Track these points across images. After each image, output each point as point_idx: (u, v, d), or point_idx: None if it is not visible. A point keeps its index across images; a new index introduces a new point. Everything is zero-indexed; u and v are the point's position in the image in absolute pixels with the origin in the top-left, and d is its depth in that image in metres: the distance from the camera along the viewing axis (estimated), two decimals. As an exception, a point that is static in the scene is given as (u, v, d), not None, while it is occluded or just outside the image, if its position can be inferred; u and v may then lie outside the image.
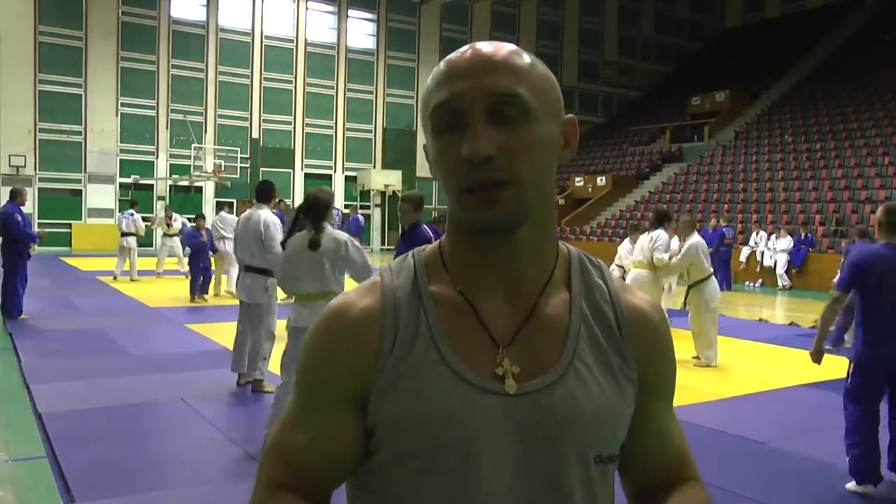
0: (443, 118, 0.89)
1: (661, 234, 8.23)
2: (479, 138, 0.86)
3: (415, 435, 0.89)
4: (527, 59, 0.92)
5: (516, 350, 0.92)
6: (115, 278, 14.97)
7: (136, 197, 25.79)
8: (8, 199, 9.96)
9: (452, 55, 0.92)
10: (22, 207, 9.86)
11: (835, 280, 4.31)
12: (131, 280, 14.97)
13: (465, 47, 0.92)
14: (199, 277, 12.15)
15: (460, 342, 0.91)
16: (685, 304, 8.16)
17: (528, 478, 0.90)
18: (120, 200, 26.09)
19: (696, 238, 8.04)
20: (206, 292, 12.32)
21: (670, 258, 8.08)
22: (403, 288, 0.95)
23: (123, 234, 15.23)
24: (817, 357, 4.30)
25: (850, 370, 4.22)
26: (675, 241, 8.39)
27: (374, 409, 0.91)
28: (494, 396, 0.89)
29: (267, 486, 0.95)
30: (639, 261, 8.31)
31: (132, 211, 15.59)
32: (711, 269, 8.08)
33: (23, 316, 9.68)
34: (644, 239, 8.32)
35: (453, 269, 0.96)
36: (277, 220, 6.36)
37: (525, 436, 0.90)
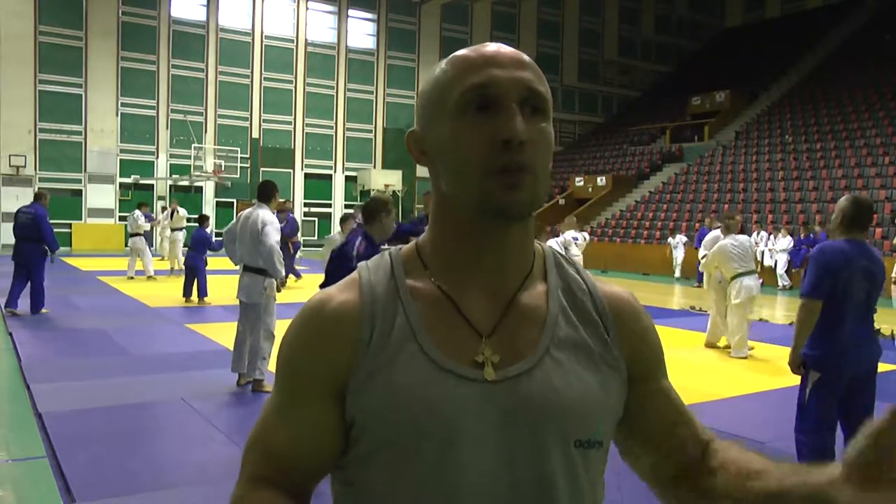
0: (475, 100, 0.91)
1: (714, 232, 9.00)
2: (517, 121, 0.89)
3: (394, 424, 0.90)
4: (538, 67, 0.97)
5: (496, 340, 0.94)
6: (129, 278, 15.35)
7: (135, 196, 25.93)
8: (34, 200, 10.50)
9: (466, 51, 0.95)
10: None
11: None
12: (147, 278, 15.42)
13: (478, 46, 0.96)
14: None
15: (439, 333, 0.93)
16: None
17: (509, 464, 0.91)
18: (120, 200, 26.12)
19: (725, 240, 8.48)
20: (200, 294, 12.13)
21: (703, 256, 8.78)
22: (381, 282, 0.97)
23: (130, 235, 16.02)
24: (797, 369, 3.95)
25: (810, 387, 3.88)
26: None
27: (354, 401, 0.92)
28: (473, 384, 0.91)
29: (249, 482, 0.97)
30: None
31: (136, 211, 16.33)
32: (742, 269, 8.41)
33: (45, 310, 10.11)
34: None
35: (433, 265, 0.98)
36: (275, 219, 6.36)
37: (504, 422, 0.91)
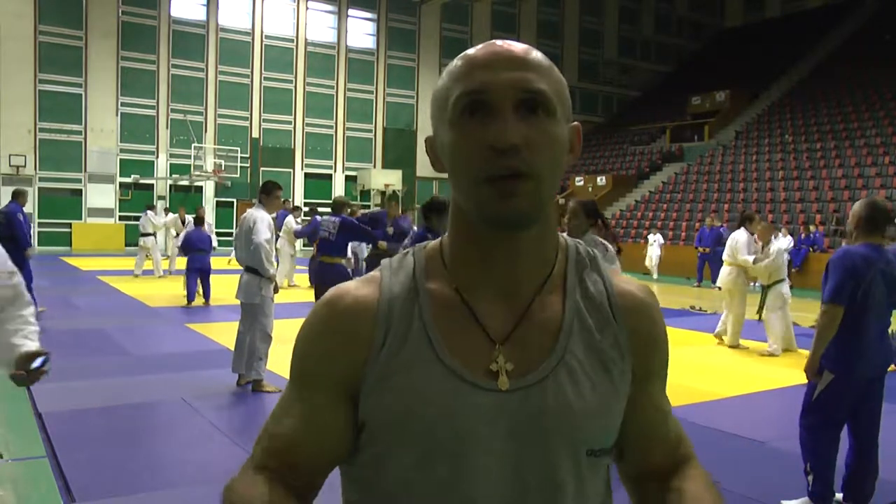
0: (467, 107, 0.88)
1: (740, 234, 8.96)
2: (506, 127, 0.85)
3: (408, 430, 0.89)
4: (546, 60, 0.93)
5: (511, 348, 0.92)
6: (136, 276, 15.56)
7: (135, 196, 25.92)
8: (10, 199, 10.16)
9: (472, 50, 0.93)
10: (23, 209, 10.06)
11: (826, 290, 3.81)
12: (158, 277, 15.64)
13: (484, 44, 0.93)
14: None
15: (455, 339, 0.92)
16: (761, 307, 8.79)
17: (520, 473, 0.90)
18: (120, 200, 26.12)
19: (780, 242, 8.81)
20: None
21: (755, 261, 8.73)
22: (401, 284, 0.95)
23: (142, 235, 16.24)
24: (815, 375, 3.86)
25: (822, 387, 3.83)
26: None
27: (366, 404, 0.91)
28: (487, 393, 0.90)
29: (250, 470, 0.97)
30: (726, 259, 9.21)
31: (149, 211, 16.68)
32: (783, 276, 8.85)
33: (41, 308, 9.85)
34: (730, 239, 9.26)
35: (452, 266, 0.96)
36: (267, 217, 6.35)
37: (517, 432, 0.90)
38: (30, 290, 9.80)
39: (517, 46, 0.91)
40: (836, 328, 3.73)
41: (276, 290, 6.43)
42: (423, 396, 0.89)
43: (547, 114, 0.88)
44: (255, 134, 28.59)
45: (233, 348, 6.52)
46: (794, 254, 17.89)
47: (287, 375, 1.01)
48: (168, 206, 23.83)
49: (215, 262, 12.76)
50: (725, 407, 6.30)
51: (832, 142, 23.55)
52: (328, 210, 9.32)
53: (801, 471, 4.01)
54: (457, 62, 0.92)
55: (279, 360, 6.40)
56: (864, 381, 3.84)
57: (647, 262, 19.52)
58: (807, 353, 3.96)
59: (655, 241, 19.61)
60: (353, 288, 0.96)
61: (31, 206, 22.87)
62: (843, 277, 3.71)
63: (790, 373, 7.40)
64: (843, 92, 26.52)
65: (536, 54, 0.92)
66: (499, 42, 0.92)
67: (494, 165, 0.86)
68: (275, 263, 6.31)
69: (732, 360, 8.35)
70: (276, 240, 6.58)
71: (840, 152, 22.66)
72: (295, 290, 13.74)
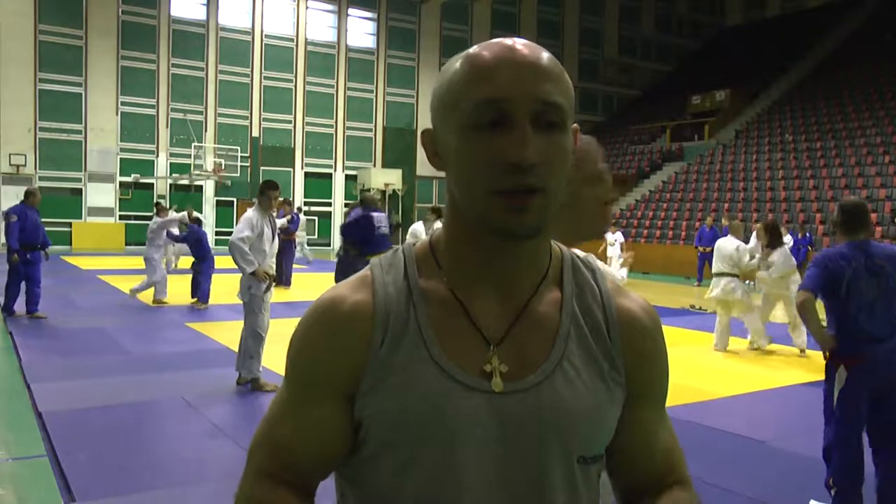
0: (485, 115, 0.86)
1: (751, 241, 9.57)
2: (528, 143, 0.84)
3: (400, 429, 0.89)
4: (558, 65, 0.91)
5: (505, 349, 0.92)
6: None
7: (135, 196, 25.93)
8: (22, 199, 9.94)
9: (484, 51, 0.89)
10: (34, 209, 9.81)
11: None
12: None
13: (496, 45, 0.89)
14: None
15: (449, 339, 0.91)
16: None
17: (511, 476, 0.90)
18: (120, 200, 26.12)
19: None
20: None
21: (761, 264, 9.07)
22: (395, 284, 0.95)
23: None
24: (829, 344, 3.71)
25: (839, 388, 3.67)
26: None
27: (362, 403, 0.91)
28: (481, 394, 0.90)
29: (256, 477, 0.96)
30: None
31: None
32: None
33: (17, 314, 9.74)
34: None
35: (447, 266, 0.95)
36: (253, 216, 6.34)
37: (509, 434, 0.90)
38: (34, 292, 9.64)
39: (532, 52, 0.88)
40: (813, 308, 3.71)
41: (268, 289, 6.40)
42: (416, 396, 0.89)
43: (560, 127, 0.87)
44: (255, 133, 28.59)
45: (234, 347, 6.54)
46: (794, 253, 17.88)
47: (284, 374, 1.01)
48: (169, 204, 23.87)
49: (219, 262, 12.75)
50: (725, 407, 6.30)
51: (832, 141, 23.55)
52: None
53: (802, 470, 4.00)
54: (468, 63, 0.89)
55: (279, 359, 6.39)
56: (876, 388, 3.62)
57: (608, 265, 17.76)
58: (815, 352, 3.92)
59: (616, 240, 17.86)
60: (350, 291, 0.95)
61: (31, 206, 22.84)
62: (813, 270, 3.77)
63: (790, 373, 7.42)
64: (843, 91, 26.53)
65: (550, 59, 0.89)
66: (509, 42, 0.89)
67: (509, 181, 0.85)
68: (255, 261, 6.22)
69: (732, 360, 8.35)
70: (274, 239, 6.57)
71: (840, 152, 22.67)
72: (287, 289, 13.74)
